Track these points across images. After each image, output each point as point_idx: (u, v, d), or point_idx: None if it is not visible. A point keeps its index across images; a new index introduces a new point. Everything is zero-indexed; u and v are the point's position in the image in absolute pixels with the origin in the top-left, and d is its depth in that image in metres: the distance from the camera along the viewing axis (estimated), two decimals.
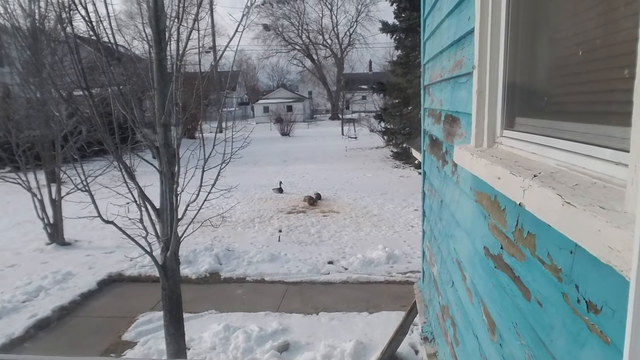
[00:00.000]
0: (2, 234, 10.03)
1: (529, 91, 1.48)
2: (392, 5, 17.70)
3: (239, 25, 4.15)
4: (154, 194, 4.31)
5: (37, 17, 9.16)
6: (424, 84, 3.67)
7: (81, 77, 3.91)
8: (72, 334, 5.75)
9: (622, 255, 0.64)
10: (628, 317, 0.61)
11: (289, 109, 52.99)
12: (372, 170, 18.27)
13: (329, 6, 62.64)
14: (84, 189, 4.07)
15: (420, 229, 4.23)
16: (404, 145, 17.52)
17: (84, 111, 4.60)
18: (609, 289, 0.77)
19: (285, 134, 36.30)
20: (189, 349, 5.15)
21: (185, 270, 7.29)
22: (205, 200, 4.22)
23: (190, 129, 20.97)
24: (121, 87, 4.22)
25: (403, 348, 4.96)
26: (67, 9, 3.94)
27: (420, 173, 4.33)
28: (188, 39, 4.10)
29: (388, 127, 21.34)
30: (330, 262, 7.90)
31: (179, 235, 4.35)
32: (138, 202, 4.17)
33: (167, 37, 4.12)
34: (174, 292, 4.44)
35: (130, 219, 4.00)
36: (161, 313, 4.60)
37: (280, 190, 13.97)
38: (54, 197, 8.94)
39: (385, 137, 22.44)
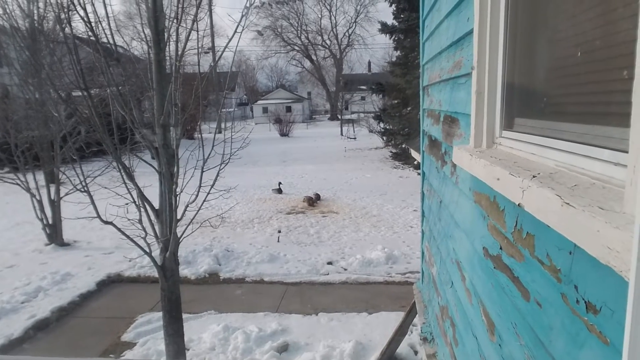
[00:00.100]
0: (1, 234, 10.01)
1: (528, 92, 1.48)
2: (391, 6, 17.70)
3: (238, 26, 4.15)
4: (153, 194, 4.31)
5: (35, 17, 9.15)
6: (423, 84, 3.67)
7: (80, 77, 3.91)
8: (71, 335, 5.75)
9: (621, 255, 0.64)
10: (627, 318, 0.62)
11: (288, 109, 53.01)
12: (371, 170, 18.27)
13: (328, 7, 62.69)
14: (83, 190, 4.07)
15: (420, 230, 4.23)
16: (403, 145, 17.52)
17: (83, 112, 4.59)
18: (608, 290, 0.78)
19: (284, 134, 36.31)
20: (188, 350, 5.14)
21: (184, 271, 7.28)
22: (204, 200, 4.21)
23: (189, 130, 20.97)
24: (120, 87, 4.22)
25: (402, 348, 4.96)
26: (65, 10, 3.94)
27: (419, 174, 4.34)
28: (187, 39, 4.10)
29: (387, 127, 21.33)
30: (330, 263, 7.90)
31: (178, 235, 4.34)
32: (137, 203, 4.17)
33: (166, 38, 4.12)
34: (173, 292, 4.44)
35: (129, 219, 4.00)
36: (160, 314, 4.60)
37: (279, 191, 13.97)
38: (52, 197, 8.93)
39: (385, 138, 22.43)
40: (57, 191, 8.88)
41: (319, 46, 63.58)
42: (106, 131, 4.04)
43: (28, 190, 8.62)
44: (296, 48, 63.44)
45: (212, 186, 4.26)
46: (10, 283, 7.09)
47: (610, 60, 0.93)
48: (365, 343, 5.19)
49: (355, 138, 31.19)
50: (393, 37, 18.54)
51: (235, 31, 4.14)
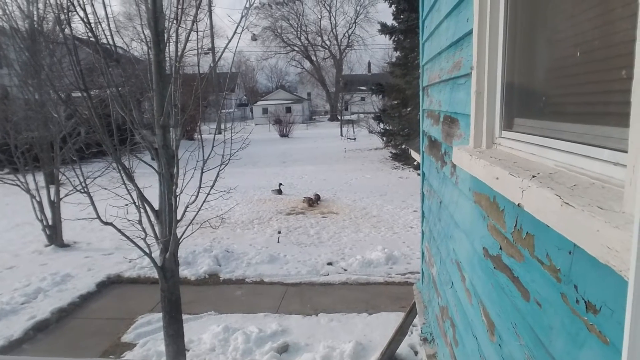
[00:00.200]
0: (0, 235, 10.01)
1: (528, 92, 1.48)
2: (390, 6, 17.71)
3: (237, 27, 4.16)
4: (153, 195, 4.31)
5: (35, 18, 9.15)
6: (423, 85, 3.67)
7: (80, 78, 3.91)
8: (71, 336, 5.74)
9: (621, 255, 0.64)
10: (627, 317, 0.62)
11: (288, 110, 53.02)
12: (371, 171, 18.28)
13: (328, 8, 62.71)
14: (82, 191, 4.06)
15: (420, 230, 4.23)
16: (403, 146, 17.53)
17: (83, 113, 4.60)
18: (607, 289, 0.78)
19: (284, 135, 36.32)
20: (188, 351, 5.14)
21: (184, 272, 7.28)
22: (204, 201, 4.21)
23: (189, 131, 20.99)
24: (120, 88, 4.22)
25: (402, 349, 4.95)
26: (65, 11, 3.94)
27: (419, 174, 4.34)
28: (187, 40, 4.10)
29: (387, 128, 21.34)
30: (330, 263, 7.90)
31: (178, 236, 4.34)
32: (137, 204, 4.17)
33: (165, 39, 4.12)
34: (173, 293, 4.44)
35: (129, 220, 4.00)
36: (160, 314, 4.60)
37: (279, 192, 13.97)
38: (52, 198, 8.93)
39: (384, 138, 22.44)
40: (57, 192, 8.88)
41: (319, 47, 63.66)
42: (106, 132, 4.04)
43: (28, 191, 8.61)
44: (296, 49, 63.51)
45: (211, 187, 4.26)
46: (10, 284, 7.09)
47: (610, 60, 0.94)
48: (365, 343, 5.19)
49: (355, 139, 31.20)
50: (393, 37, 18.55)
51: (235, 32, 4.15)
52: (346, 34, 63.22)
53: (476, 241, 1.81)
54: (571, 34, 1.16)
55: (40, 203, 8.77)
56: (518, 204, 1.10)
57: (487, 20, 1.61)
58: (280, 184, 14.34)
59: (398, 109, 18.72)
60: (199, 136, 4.28)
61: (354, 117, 39.88)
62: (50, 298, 6.65)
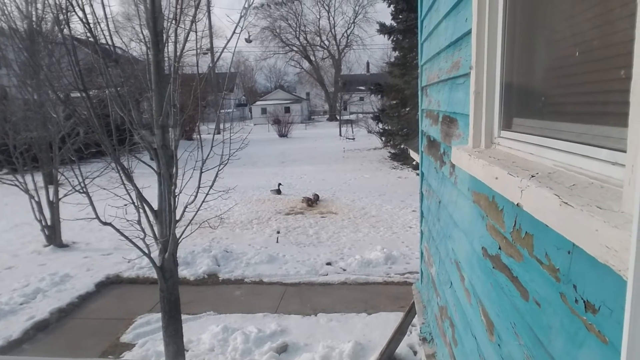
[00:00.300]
0: None
1: (526, 92, 1.48)
2: (389, 6, 17.71)
3: (236, 27, 4.16)
4: (152, 195, 4.31)
5: (34, 19, 9.14)
6: (422, 85, 3.67)
7: (79, 78, 3.91)
8: (70, 336, 5.74)
9: (620, 254, 0.64)
10: (626, 317, 0.62)
11: (287, 110, 53.01)
12: (370, 171, 18.28)
13: (327, 8, 62.71)
14: (81, 191, 4.06)
15: (419, 230, 4.23)
16: (402, 146, 17.54)
17: (82, 113, 4.59)
18: (606, 289, 0.78)
19: (283, 135, 36.30)
20: (188, 351, 5.14)
21: (183, 272, 7.28)
22: (203, 201, 4.21)
23: (188, 131, 20.99)
24: (119, 88, 4.21)
25: (402, 349, 4.96)
26: (64, 11, 3.94)
27: (418, 174, 4.34)
28: (186, 40, 4.10)
29: (386, 128, 21.35)
30: (329, 263, 7.90)
31: (177, 236, 4.34)
32: (136, 204, 4.16)
33: (164, 39, 4.12)
34: (172, 293, 4.43)
35: (128, 220, 4.00)
36: (159, 315, 4.59)
37: (278, 192, 13.97)
38: (51, 199, 8.92)
39: (383, 138, 22.45)
40: (56, 192, 8.87)
41: (318, 47, 63.68)
42: (105, 132, 4.04)
43: (27, 191, 8.60)
44: (295, 49, 63.53)
45: (210, 187, 4.26)
46: (8, 284, 7.08)
47: (608, 60, 0.94)
48: (364, 343, 5.19)
49: (354, 139, 31.19)
50: (391, 37, 18.54)
51: (234, 32, 4.15)
52: (345, 34, 63.32)
53: (475, 241, 1.81)
54: (570, 34, 1.16)
55: (39, 203, 8.76)
56: (517, 204, 1.10)
57: (485, 20, 1.61)
58: (279, 184, 14.34)
59: (397, 109, 18.73)
60: (198, 136, 4.28)
61: (352, 117, 39.88)
62: (49, 298, 6.64)
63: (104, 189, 4.40)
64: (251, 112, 61.96)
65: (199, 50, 4.53)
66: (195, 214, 4.34)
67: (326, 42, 63.58)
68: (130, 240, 4.09)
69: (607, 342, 0.78)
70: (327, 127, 47.57)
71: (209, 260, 7.87)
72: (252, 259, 8.04)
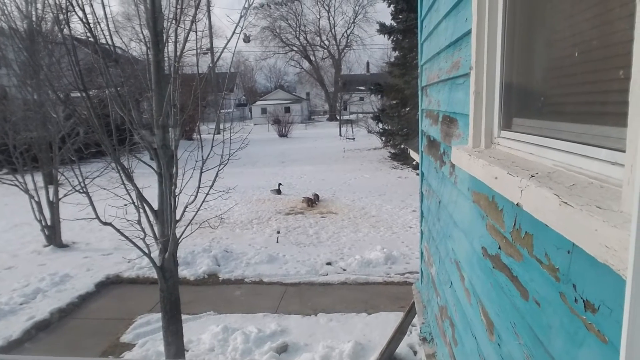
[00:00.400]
0: None
1: (526, 92, 1.48)
2: (389, 6, 17.70)
3: (236, 27, 4.16)
4: (152, 195, 4.31)
5: (34, 18, 9.14)
6: (422, 85, 3.67)
7: (79, 78, 3.91)
8: (70, 336, 5.74)
9: (619, 254, 0.64)
10: (625, 316, 0.62)
11: (287, 110, 53.00)
12: (370, 171, 18.28)
13: (327, 8, 62.69)
14: (81, 191, 4.07)
15: (419, 230, 4.23)
16: (402, 146, 17.54)
17: (82, 113, 4.60)
18: (606, 288, 0.78)
19: (283, 135, 36.29)
20: (188, 351, 5.14)
21: (183, 272, 7.28)
22: (203, 201, 4.22)
23: (188, 131, 20.99)
24: (119, 88, 4.22)
25: (402, 349, 4.96)
26: (64, 11, 3.94)
27: (418, 174, 4.34)
28: (186, 40, 4.10)
29: (386, 128, 21.34)
30: (329, 263, 7.90)
31: (177, 236, 4.34)
32: (136, 204, 4.17)
33: (164, 39, 4.12)
34: (172, 293, 4.44)
35: (128, 220, 4.00)
36: (159, 315, 4.60)
37: (278, 192, 13.97)
38: (51, 199, 8.92)
39: (383, 138, 22.45)
40: (56, 192, 8.87)
41: (318, 47, 63.67)
42: (105, 132, 4.04)
43: (26, 191, 8.60)
44: (295, 49, 63.52)
45: (211, 187, 4.26)
46: (8, 285, 7.08)
47: (608, 60, 0.94)
48: (364, 343, 5.19)
49: (354, 138, 31.19)
50: (391, 37, 18.54)
51: (234, 32, 4.15)
52: (345, 34, 63.31)
53: (475, 241, 1.82)
54: (569, 34, 1.16)
55: (39, 203, 8.76)
56: (517, 204, 1.10)
57: (485, 20, 1.61)
58: (279, 184, 14.34)
59: (397, 109, 18.73)
60: (198, 136, 4.28)
61: (352, 117, 39.88)
62: (49, 298, 6.64)
63: (104, 189, 4.41)
64: (251, 112, 61.96)
65: (199, 50, 4.53)
66: (196, 214, 4.34)
67: (326, 42, 63.67)
68: (131, 240, 4.09)
69: (606, 342, 0.78)
70: (327, 127, 47.57)
71: (209, 260, 7.87)
72: (252, 259, 8.04)
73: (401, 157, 19.04)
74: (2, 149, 8.89)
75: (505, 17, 1.53)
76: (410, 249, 8.33)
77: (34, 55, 8.54)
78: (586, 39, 1.05)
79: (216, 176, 4.29)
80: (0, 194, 12.65)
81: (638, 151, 0.65)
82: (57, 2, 3.98)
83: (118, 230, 4.06)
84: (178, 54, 4.09)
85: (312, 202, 12.39)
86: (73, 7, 3.76)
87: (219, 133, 4.55)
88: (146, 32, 4.18)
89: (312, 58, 63.60)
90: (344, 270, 7.61)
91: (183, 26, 4.13)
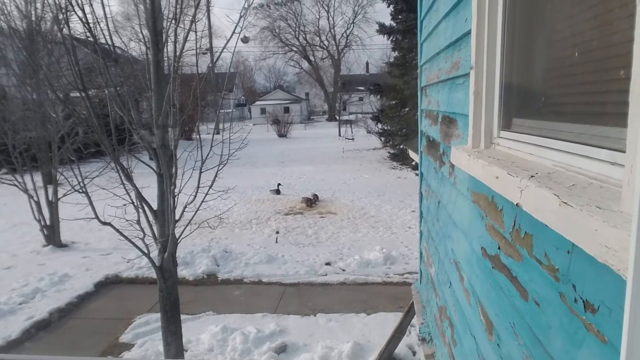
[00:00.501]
0: None
1: (526, 92, 1.48)
2: (388, 7, 17.71)
3: (236, 27, 4.16)
4: (152, 195, 4.31)
5: (33, 18, 9.14)
6: (421, 85, 3.67)
7: (78, 78, 3.90)
8: (69, 336, 5.74)
9: (619, 254, 0.64)
10: (625, 316, 0.62)
11: (286, 110, 52.98)
12: (369, 171, 18.29)
13: (326, 8, 62.69)
14: (80, 191, 4.06)
15: (418, 230, 4.23)
16: (401, 146, 17.54)
17: (81, 112, 4.60)
18: (606, 289, 0.78)
19: (282, 135, 36.28)
20: (187, 351, 5.14)
21: (182, 272, 7.28)
22: (202, 201, 4.21)
23: (187, 131, 20.99)
24: (118, 88, 4.21)
25: (401, 349, 4.96)
26: (63, 10, 3.94)
27: (417, 174, 4.34)
28: (185, 40, 4.10)
29: (385, 128, 21.35)
30: (328, 264, 7.90)
31: (177, 236, 4.34)
32: (135, 204, 4.16)
33: (164, 39, 4.12)
34: (171, 293, 4.43)
35: (127, 220, 4.00)
36: (158, 315, 4.59)
37: (277, 192, 13.97)
38: (50, 198, 8.92)
39: (383, 139, 22.46)
40: (55, 192, 8.87)
41: (317, 47, 63.71)
42: (104, 132, 4.04)
43: (26, 191, 8.59)
44: (294, 49, 63.53)
45: (210, 187, 4.26)
46: (7, 284, 7.07)
47: (608, 61, 0.94)
48: (363, 344, 5.19)
49: (353, 139, 31.19)
50: (391, 38, 18.55)
51: (234, 32, 4.15)
52: (344, 34, 63.33)
53: (474, 241, 1.82)
54: (569, 34, 1.16)
55: (38, 203, 8.75)
56: (516, 204, 1.10)
57: (485, 20, 1.61)
58: (279, 184, 14.33)
59: (396, 109, 18.73)
60: (198, 136, 4.28)
61: (352, 117, 39.89)
62: (48, 298, 6.64)
63: (104, 188, 4.40)
64: (250, 112, 61.94)
65: (198, 50, 4.53)
66: (195, 214, 4.34)
67: (325, 42, 63.70)
68: (130, 240, 4.09)
69: (606, 342, 0.78)
70: (326, 127, 47.57)
71: (208, 260, 7.87)
72: (251, 259, 8.04)
73: (400, 158, 19.04)
74: (2, 149, 8.88)
75: (505, 17, 1.53)
76: (410, 249, 8.34)
77: (33, 54, 8.54)
78: (586, 39, 1.05)
79: (215, 176, 4.29)
80: None
81: (638, 151, 0.65)
82: (57, 2, 3.97)
83: (117, 230, 4.05)
84: (177, 53, 4.09)
85: (311, 202, 12.39)
86: (72, 6, 3.76)
87: (218, 133, 4.55)
88: (146, 32, 4.18)
89: (312, 58, 63.65)
90: (343, 270, 7.61)
91: (182, 26, 4.13)
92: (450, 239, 2.45)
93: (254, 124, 47.96)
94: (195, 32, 4.21)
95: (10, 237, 9.82)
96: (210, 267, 7.69)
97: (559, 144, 1.12)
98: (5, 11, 8.47)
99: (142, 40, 4.54)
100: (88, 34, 3.87)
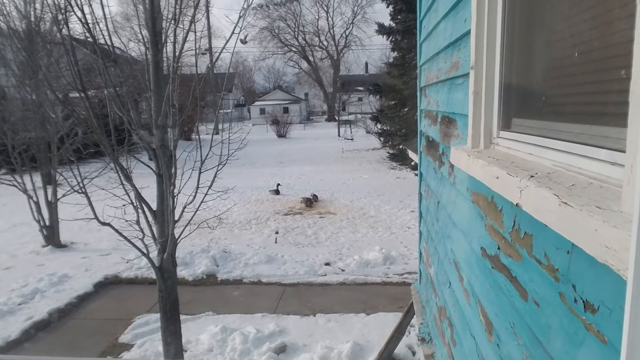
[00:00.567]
0: None
1: (525, 92, 1.48)
2: (388, 7, 17.72)
3: (235, 27, 4.16)
4: (151, 195, 4.31)
5: (32, 18, 9.13)
6: (421, 85, 3.68)
7: (77, 79, 3.90)
8: (69, 336, 5.73)
9: (619, 254, 0.64)
10: (625, 316, 0.62)
11: (286, 110, 52.95)
12: (368, 171, 18.28)
13: (325, 8, 62.71)
14: (80, 191, 4.06)
15: (417, 230, 4.23)
16: (401, 146, 17.54)
17: (80, 113, 4.59)
18: (605, 289, 0.78)
19: (281, 135, 36.27)
20: (186, 351, 5.14)
21: (182, 272, 7.28)
22: (202, 201, 4.21)
23: (186, 131, 20.97)
24: (117, 89, 4.21)
25: (400, 349, 4.96)
26: (63, 11, 3.94)
27: (416, 174, 4.35)
28: (184, 40, 4.10)
29: (384, 128, 21.36)
30: (327, 264, 7.90)
31: (176, 237, 4.34)
32: (135, 204, 4.16)
33: (163, 39, 4.12)
34: (170, 294, 4.43)
35: (126, 220, 3.99)
36: (158, 315, 4.59)
37: (276, 192, 13.96)
38: (50, 199, 8.91)
39: (382, 139, 22.46)
40: (54, 193, 8.86)
41: (316, 47, 63.71)
42: (103, 132, 4.03)
43: (25, 191, 8.59)
44: (293, 49, 63.52)
45: (209, 187, 4.26)
46: (7, 285, 7.07)
47: (607, 61, 0.94)
48: (363, 344, 5.19)
49: (352, 139, 31.19)
50: (390, 38, 18.56)
51: (233, 32, 4.15)
52: (343, 35, 63.35)
53: (474, 241, 1.82)
54: (569, 34, 1.16)
55: (37, 203, 8.74)
56: (516, 204, 1.10)
57: (484, 20, 1.61)
58: (278, 184, 14.32)
59: (395, 110, 18.73)
60: (197, 136, 4.27)
61: (351, 117, 39.91)
62: (48, 299, 6.63)
63: (103, 189, 4.40)
64: (250, 113, 61.90)
65: (197, 51, 4.53)
66: (194, 214, 4.34)
67: (325, 43, 63.71)
68: (129, 241, 4.09)
69: (606, 342, 0.78)
70: (325, 127, 47.57)
71: (208, 261, 7.86)
72: (251, 260, 8.03)
73: (400, 158, 19.04)
74: (1, 149, 8.87)
75: (504, 17, 1.53)
76: (409, 250, 8.34)
77: (32, 55, 8.54)
78: (585, 39, 1.05)
79: (215, 176, 4.28)
80: None
81: (638, 151, 0.65)
82: (56, 2, 3.98)
83: (117, 231, 4.05)
84: (177, 54, 4.09)
85: (311, 202, 12.39)
86: (72, 7, 3.76)
87: (217, 133, 4.55)
88: (145, 32, 4.17)
89: (311, 58, 63.64)
90: (343, 270, 7.61)
91: (182, 26, 4.13)
92: (449, 239, 2.45)
93: (253, 124, 47.95)
94: (195, 32, 4.21)
95: (9, 238, 9.81)
96: (209, 268, 7.69)
97: (559, 144, 1.12)
98: (5, 11, 8.47)
99: (142, 40, 4.53)
100: (87, 34, 3.86)
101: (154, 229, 4.31)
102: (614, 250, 0.66)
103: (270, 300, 6.62)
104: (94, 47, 3.91)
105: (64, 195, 7.46)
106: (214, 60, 5.73)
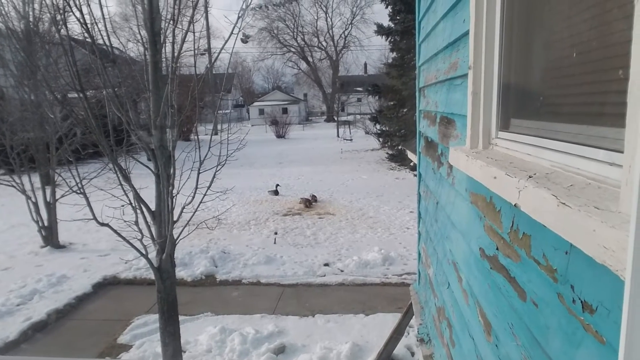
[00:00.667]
0: None
1: (524, 93, 1.48)
2: (387, 7, 17.74)
3: (234, 28, 4.16)
4: (150, 196, 4.30)
5: (31, 19, 9.13)
6: (419, 86, 3.68)
7: (76, 79, 3.90)
8: (67, 337, 5.72)
9: (617, 255, 0.64)
10: (623, 317, 0.62)
11: (284, 111, 52.93)
12: (367, 172, 18.28)
13: (324, 9, 62.82)
14: (78, 192, 4.05)
15: (416, 231, 4.23)
16: (400, 147, 17.56)
17: (79, 113, 4.58)
18: (604, 289, 0.78)
19: (280, 136, 36.26)
20: (185, 352, 5.13)
21: (180, 273, 7.27)
22: (200, 202, 4.21)
23: (185, 131, 20.94)
24: (116, 89, 4.20)
25: (399, 350, 4.96)
26: (61, 11, 3.93)
27: (415, 175, 4.34)
28: (183, 41, 4.10)
29: (383, 129, 21.36)
30: (326, 264, 7.90)
31: (175, 237, 4.33)
32: (133, 205, 4.16)
33: (162, 40, 4.11)
34: (169, 294, 4.43)
35: (125, 221, 3.99)
36: (157, 316, 4.58)
37: (275, 192, 13.96)
38: (48, 199, 8.90)
39: (381, 139, 22.46)
40: (53, 193, 8.85)
41: (315, 48, 63.72)
42: (102, 133, 4.03)
43: (23, 192, 8.57)
44: (292, 50, 63.51)
45: (208, 188, 4.25)
46: (5, 286, 7.05)
47: (606, 61, 0.94)
48: (362, 344, 5.19)
49: (351, 139, 31.20)
50: (389, 38, 18.57)
51: (232, 33, 4.15)
52: (342, 35, 63.37)
53: (473, 242, 1.82)
54: (567, 35, 1.16)
55: (36, 204, 8.73)
56: (515, 204, 1.10)
57: (483, 21, 1.61)
58: (277, 185, 14.32)
59: (394, 110, 18.74)
60: (196, 137, 4.27)
61: (350, 118, 39.92)
62: (46, 299, 6.62)
63: (102, 189, 4.39)
64: (249, 113, 61.87)
65: (196, 51, 4.53)
66: (193, 215, 4.33)
67: (324, 43, 63.74)
68: (128, 241, 4.08)
69: (604, 342, 0.78)
70: (324, 128, 47.55)
71: (207, 261, 7.85)
72: (250, 260, 8.03)
73: (399, 158, 19.05)
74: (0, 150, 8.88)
75: (503, 18, 1.53)
76: (408, 250, 8.34)
77: (31, 55, 8.53)
78: (584, 39, 1.05)
79: (214, 177, 4.28)
80: None
81: (636, 152, 0.65)
82: (55, 3, 3.97)
83: (115, 231, 4.04)
84: (175, 54, 4.09)
85: (310, 203, 12.39)
86: (70, 7, 3.75)
87: (216, 134, 4.55)
88: (144, 32, 4.17)
89: (310, 59, 63.63)
90: (342, 271, 7.61)
91: (180, 27, 4.13)
92: (448, 240, 2.45)
93: (252, 125, 47.92)
94: (194, 32, 4.20)
95: (8, 238, 9.79)
96: (208, 268, 7.68)
97: (557, 145, 1.12)
98: (3, 12, 8.45)
99: (140, 41, 4.53)
100: (86, 34, 3.86)
101: (153, 229, 4.30)
102: (612, 250, 0.66)
103: (269, 300, 6.62)
104: (93, 48, 3.90)
105: (62, 196, 7.46)
106: (212, 60, 5.72)
